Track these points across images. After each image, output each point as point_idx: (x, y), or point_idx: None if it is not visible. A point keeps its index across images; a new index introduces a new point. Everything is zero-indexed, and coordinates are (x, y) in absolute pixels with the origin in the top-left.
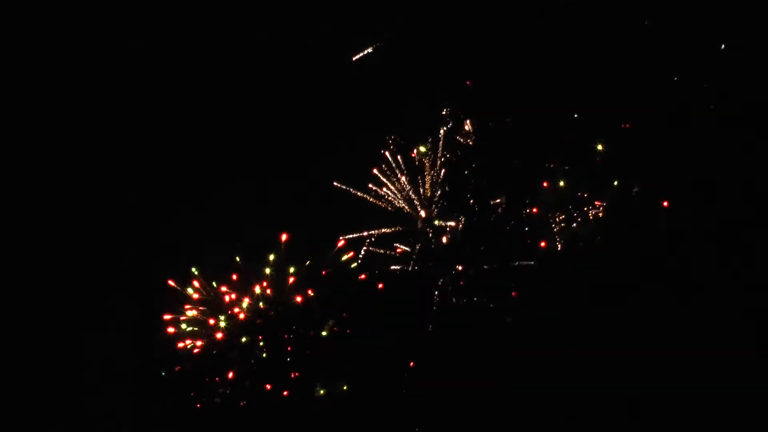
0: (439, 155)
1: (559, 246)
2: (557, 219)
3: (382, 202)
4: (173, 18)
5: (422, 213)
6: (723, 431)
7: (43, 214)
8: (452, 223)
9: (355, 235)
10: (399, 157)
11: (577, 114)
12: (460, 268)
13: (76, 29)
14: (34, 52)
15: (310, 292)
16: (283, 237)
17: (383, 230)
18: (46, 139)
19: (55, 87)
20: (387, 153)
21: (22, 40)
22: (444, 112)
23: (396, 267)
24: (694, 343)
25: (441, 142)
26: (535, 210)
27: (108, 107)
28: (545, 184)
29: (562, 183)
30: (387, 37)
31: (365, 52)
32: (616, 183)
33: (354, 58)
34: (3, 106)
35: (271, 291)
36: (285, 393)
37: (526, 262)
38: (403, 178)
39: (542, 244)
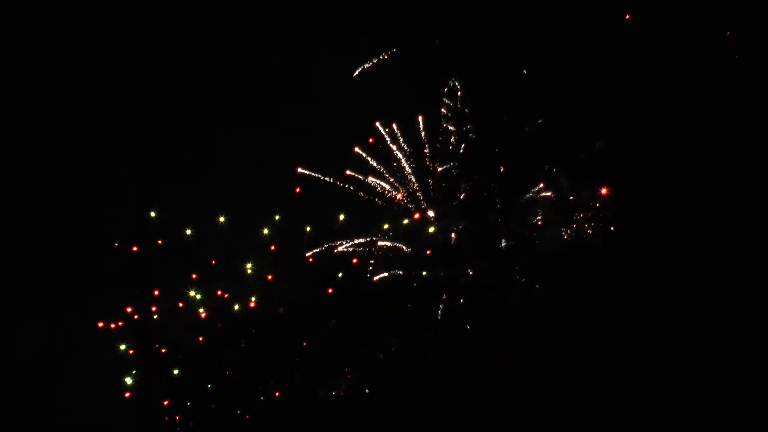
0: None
1: (560, 246)
2: (558, 219)
3: (381, 200)
4: (173, 18)
5: (430, 213)
6: (723, 431)
7: (36, 207)
8: (457, 224)
9: (363, 240)
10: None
11: (578, 114)
12: (463, 268)
13: (76, 29)
14: (34, 52)
15: (331, 291)
16: (297, 190)
17: (389, 235)
18: (45, 138)
19: (55, 87)
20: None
21: (22, 40)
22: (444, 111)
23: (397, 267)
24: (694, 343)
25: (443, 140)
26: (538, 219)
27: (108, 107)
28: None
29: (563, 183)
30: (388, 50)
31: (367, 65)
32: (616, 183)
33: (355, 74)
34: (3, 106)
35: (271, 276)
36: (286, 394)
37: (527, 262)
38: (412, 178)
39: (542, 245)
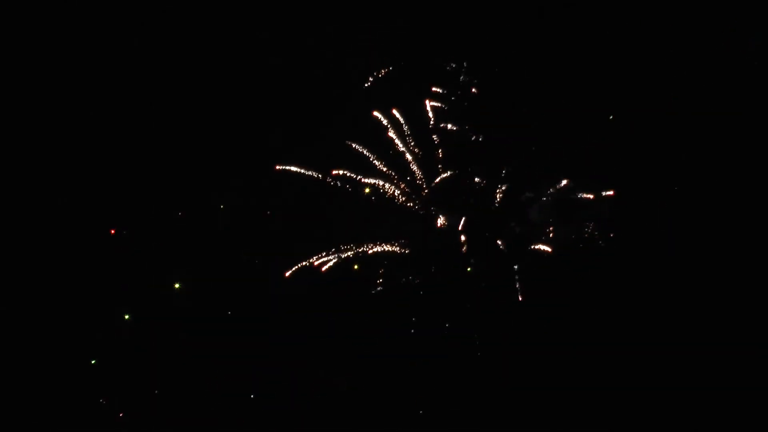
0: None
1: (560, 246)
2: (558, 219)
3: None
4: (173, 18)
5: (441, 219)
6: (723, 431)
7: (35, 210)
8: (461, 223)
9: (369, 249)
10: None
11: (578, 113)
12: (463, 268)
13: (76, 29)
14: (34, 52)
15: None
16: None
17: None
18: (46, 139)
19: (55, 87)
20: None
21: (22, 40)
22: (444, 108)
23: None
24: (694, 343)
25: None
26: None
27: (108, 107)
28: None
29: (563, 182)
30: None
31: (369, 70)
32: (616, 183)
33: (367, 83)
34: (3, 106)
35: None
36: (285, 394)
37: (527, 262)
38: (416, 177)
39: (541, 245)
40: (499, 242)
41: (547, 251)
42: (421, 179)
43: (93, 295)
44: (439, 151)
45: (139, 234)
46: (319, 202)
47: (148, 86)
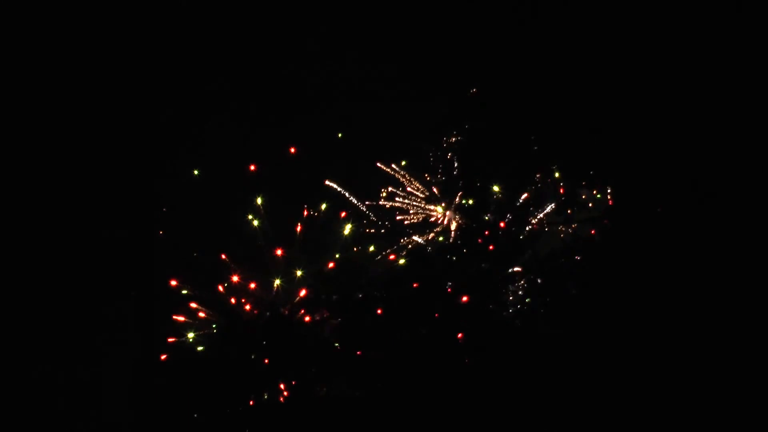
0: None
1: (559, 245)
2: (557, 220)
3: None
4: (173, 18)
5: (447, 213)
6: (723, 431)
7: (40, 213)
8: (457, 222)
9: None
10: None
11: (577, 115)
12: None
13: (76, 29)
14: (34, 52)
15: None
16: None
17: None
18: (46, 140)
19: (55, 87)
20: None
21: (22, 40)
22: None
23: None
24: (694, 343)
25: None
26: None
27: (108, 107)
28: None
29: (561, 181)
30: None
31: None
32: (615, 184)
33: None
34: (3, 106)
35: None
36: (285, 393)
37: (525, 263)
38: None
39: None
40: (499, 242)
41: (546, 251)
42: (422, 180)
43: (93, 295)
44: (440, 153)
45: (140, 234)
46: (317, 202)
47: (147, 86)
